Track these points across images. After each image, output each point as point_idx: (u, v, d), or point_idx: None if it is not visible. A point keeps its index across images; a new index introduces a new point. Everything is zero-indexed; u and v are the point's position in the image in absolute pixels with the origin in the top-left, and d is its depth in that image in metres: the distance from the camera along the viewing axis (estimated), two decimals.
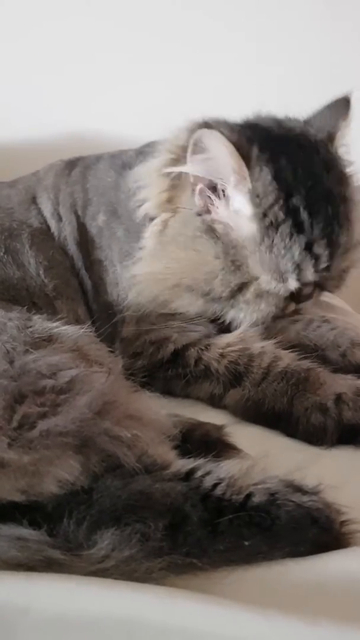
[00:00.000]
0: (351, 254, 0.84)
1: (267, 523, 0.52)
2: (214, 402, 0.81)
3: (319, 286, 0.85)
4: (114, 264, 0.89)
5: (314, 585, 0.50)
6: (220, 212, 0.80)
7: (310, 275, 0.80)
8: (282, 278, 0.79)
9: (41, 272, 0.86)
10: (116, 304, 0.87)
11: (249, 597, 0.47)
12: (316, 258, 0.79)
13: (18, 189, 0.97)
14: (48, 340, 0.65)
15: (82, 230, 0.92)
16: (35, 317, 0.69)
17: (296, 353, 0.80)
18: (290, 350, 0.81)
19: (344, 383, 0.76)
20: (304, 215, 0.78)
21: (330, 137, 0.86)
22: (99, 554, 0.49)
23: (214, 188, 0.80)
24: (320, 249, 0.79)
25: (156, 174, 0.85)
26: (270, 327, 0.88)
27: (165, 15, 1.38)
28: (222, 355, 0.81)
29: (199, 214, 0.81)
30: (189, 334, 0.84)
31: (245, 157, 0.77)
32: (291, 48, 1.41)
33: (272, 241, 0.78)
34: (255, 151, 0.79)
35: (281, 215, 0.78)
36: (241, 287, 0.80)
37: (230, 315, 0.83)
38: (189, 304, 0.83)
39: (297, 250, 0.78)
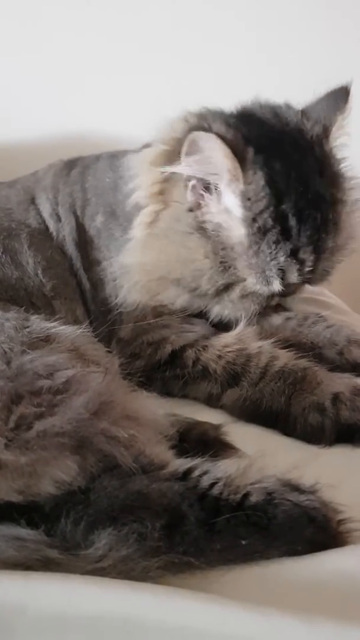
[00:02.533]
0: (337, 255, 0.84)
1: (264, 522, 0.52)
2: (212, 402, 0.82)
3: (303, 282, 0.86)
4: (112, 265, 0.89)
5: (310, 584, 0.50)
6: (211, 209, 0.80)
7: (294, 278, 0.81)
8: (267, 281, 0.80)
9: (39, 272, 0.86)
10: (114, 304, 0.87)
11: (246, 595, 0.47)
12: (301, 263, 0.80)
13: (17, 189, 0.97)
14: (45, 340, 0.65)
15: (80, 230, 0.92)
16: (33, 317, 0.69)
17: (293, 352, 0.80)
18: (287, 349, 0.81)
19: (341, 382, 0.76)
20: (292, 222, 0.78)
21: (326, 132, 0.85)
22: (96, 554, 0.49)
23: (206, 186, 0.80)
24: (305, 255, 0.79)
25: (148, 165, 0.85)
26: (266, 326, 0.88)
27: (164, 11, 1.38)
28: (219, 356, 0.81)
29: (191, 210, 0.81)
30: (187, 334, 0.84)
31: (240, 158, 0.77)
32: (291, 37, 1.41)
33: (259, 247, 0.78)
34: (250, 153, 0.79)
35: (270, 222, 0.78)
36: (227, 287, 0.81)
37: (214, 311, 0.85)
38: (175, 297, 0.84)
39: (282, 257, 0.78)
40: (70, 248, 0.91)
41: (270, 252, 0.78)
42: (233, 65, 1.37)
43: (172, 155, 0.81)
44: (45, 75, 1.39)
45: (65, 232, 0.92)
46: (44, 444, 0.53)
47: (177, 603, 0.45)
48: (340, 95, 0.87)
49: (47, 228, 0.92)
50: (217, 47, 1.38)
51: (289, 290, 0.84)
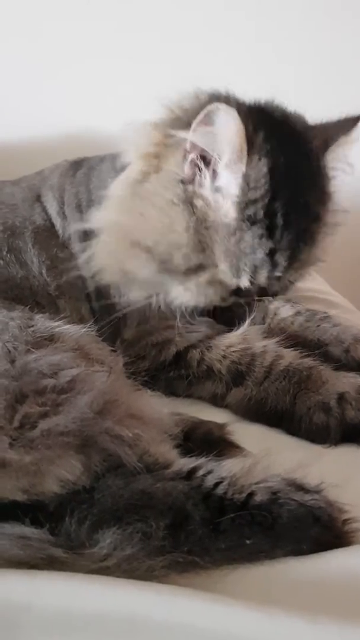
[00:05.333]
0: (304, 270, 0.86)
1: (269, 522, 0.52)
2: (216, 401, 0.82)
3: (262, 289, 0.85)
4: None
5: (315, 584, 0.50)
6: (205, 185, 0.79)
7: (262, 279, 0.81)
8: (238, 274, 0.80)
9: (44, 271, 0.86)
10: (118, 304, 0.87)
11: (250, 595, 0.47)
12: (274, 266, 0.80)
13: (21, 187, 0.97)
14: (49, 339, 0.65)
15: (87, 230, 0.92)
16: (37, 317, 0.69)
17: (298, 351, 0.80)
18: (292, 347, 0.81)
19: (347, 381, 0.75)
20: (279, 221, 0.78)
21: (325, 146, 0.85)
22: (100, 553, 0.49)
23: (205, 161, 0.79)
24: (281, 259, 0.80)
25: (151, 127, 0.83)
26: (275, 319, 0.90)
27: (163, 9, 1.38)
28: (224, 356, 0.81)
29: (183, 182, 0.80)
30: (190, 335, 0.84)
31: (249, 142, 0.76)
32: (291, 26, 1.41)
33: (243, 236, 0.78)
34: (260, 137, 0.78)
35: (261, 213, 0.77)
36: (198, 269, 0.80)
37: (175, 291, 0.82)
38: (142, 267, 0.81)
39: (260, 254, 0.78)
40: (76, 247, 0.91)
41: (252, 245, 0.78)
42: (234, 60, 1.37)
43: (177, 121, 0.80)
44: (46, 74, 1.39)
45: (71, 231, 0.92)
46: (48, 443, 0.53)
47: (182, 602, 0.45)
48: (350, 121, 0.87)
49: (52, 225, 0.92)
50: (219, 43, 1.38)
51: (249, 291, 0.84)
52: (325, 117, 0.88)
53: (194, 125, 0.76)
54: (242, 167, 0.77)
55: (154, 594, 0.46)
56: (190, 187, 0.79)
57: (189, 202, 0.79)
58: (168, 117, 0.82)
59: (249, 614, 0.44)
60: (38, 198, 0.95)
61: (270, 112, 0.85)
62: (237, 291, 0.84)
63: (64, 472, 0.53)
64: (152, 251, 0.80)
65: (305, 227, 0.81)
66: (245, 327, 0.83)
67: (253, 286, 0.83)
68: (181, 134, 0.78)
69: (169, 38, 1.39)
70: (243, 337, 0.82)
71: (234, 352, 0.81)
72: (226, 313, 0.87)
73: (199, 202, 0.79)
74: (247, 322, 0.83)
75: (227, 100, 0.80)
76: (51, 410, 0.56)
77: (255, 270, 0.80)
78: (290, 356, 0.79)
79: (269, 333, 0.85)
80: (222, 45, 1.38)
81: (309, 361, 0.78)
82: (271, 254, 0.79)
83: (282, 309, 0.92)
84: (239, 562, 0.51)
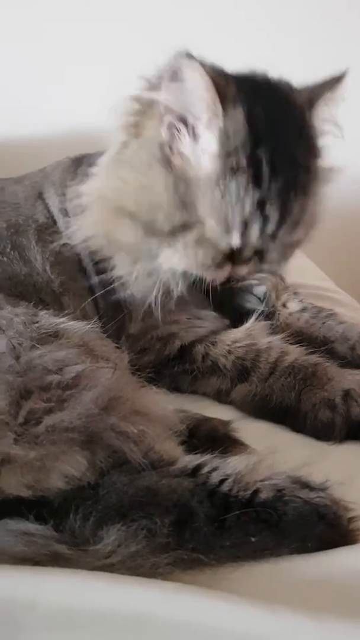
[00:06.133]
0: (300, 230, 0.80)
1: (274, 519, 0.52)
2: (221, 397, 0.82)
3: (259, 254, 0.81)
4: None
5: (320, 582, 0.49)
6: (184, 145, 0.77)
7: (254, 237, 0.76)
8: (227, 229, 0.76)
9: (47, 268, 0.85)
10: (123, 300, 0.87)
11: (255, 592, 0.47)
12: (265, 219, 0.76)
13: (24, 184, 0.97)
14: (54, 335, 0.65)
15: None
16: (42, 313, 0.69)
17: (304, 347, 0.80)
18: (298, 343, 0.81)
19: (352, 379, 0.75)
20: (265, 169, 0.74)
21: (310, 103, 0.83)
22: (105, 550, 0.49)
23: (184, 123, 0.77)
24: (271, 211, 0.75)
25: (129, 99, 0.82)
26: (283, 314, 0.89)
27: (168, 10, 1.38)
28: (229, 351, 0.81)
29: (161, 145, 0.77)
30: (196, 330, 0.84)
31: (222, 94, 0.74)
32: (290, 19, 1.42)
33: (227, 187, 0.74)
34: (232, 89, 0.76)
35: (243, 161, 0.74)
36: (184, 227, 0.76)
37: (164, 254, 0.79)
38: (128, 232, 0.80)
39: (248, 205, 0.74)
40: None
41: (238, 195, 0.74)
42: (234, 60, 1.36)
43: (153, 89, 0.78)
44: (49, 72, 1.39)
45: (74, 228, 0.92)
46: (53, 439, 0.53)
47: (186, 600, 0.45)
48: (336, 78, 0.85)
49: (54, 222, 0.92)
50: (220, 44, 1.37)
51: (243, 256, 0.79)
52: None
53: (163, 84, 0.75)
54: (219, 121, 0.75)
55: (158, 592, 0.46)
56: (167, 148, 0.77)
57: (165, 160, 0.77)
58: (145, 87, 0.80)
59: (254, 611, 0.44)
60: (40, 195, 0.94)
61: (248, 74, 0.83)
62: (232, 257, 0.79)
63: (69, 468, 0.53)
64: (136, 215, 0.78)
65: (295, 177, 0.76)
66: (250, 322, 0.83)
67: (247, 249, 0.78)
68: (151, 94, 0.77)
69: (173, 39, 1.38)
70: (248, 333, 0.82)
71: (239, 347, 0.81)
72: (228, 298, 0.85)
73: (177, 160, 0.77)
74: (253, 317, 0.83)
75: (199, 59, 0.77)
76: (56, 406, 0.56)
77: (245, 224, 0.75)
78: (295, 352, 0.79)
79: (276, 327, 0.85)
80: (223, 46, 1.37)
81: (314, 358, 0.78)
82: (261, 205, 0.74)
83: (290, 303, 0.92)
84: (244, 559, 0.51)
